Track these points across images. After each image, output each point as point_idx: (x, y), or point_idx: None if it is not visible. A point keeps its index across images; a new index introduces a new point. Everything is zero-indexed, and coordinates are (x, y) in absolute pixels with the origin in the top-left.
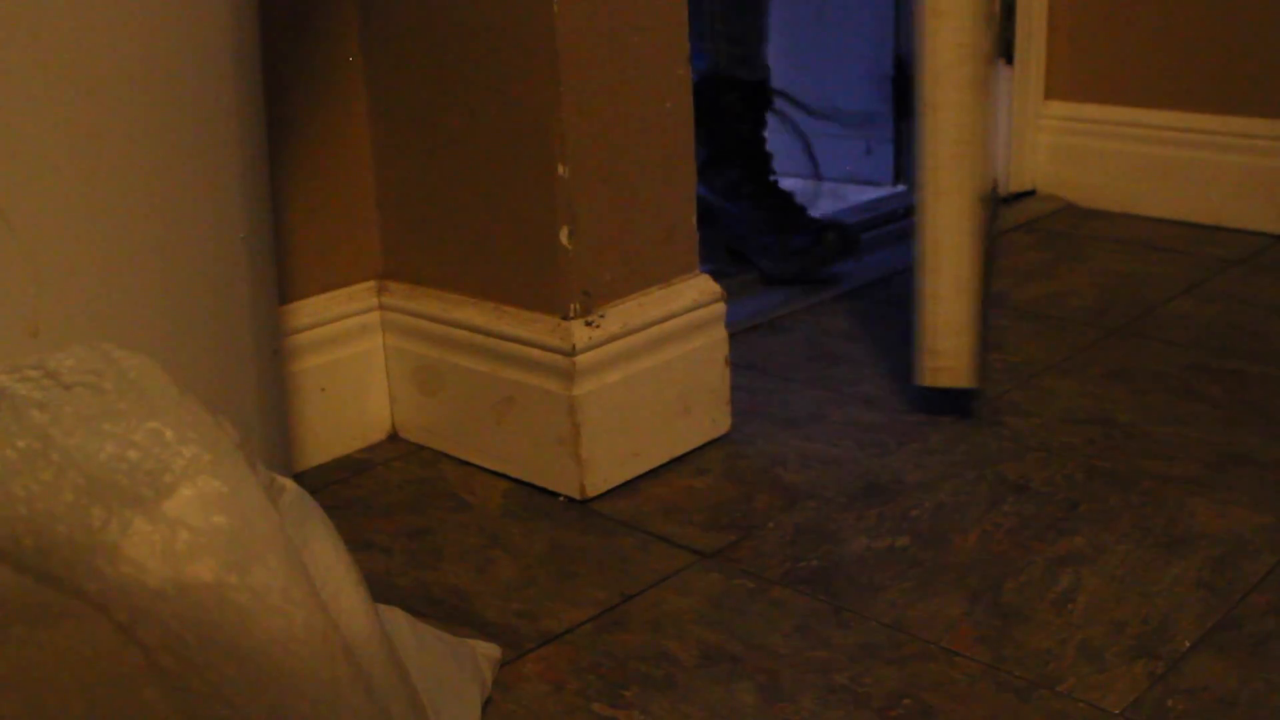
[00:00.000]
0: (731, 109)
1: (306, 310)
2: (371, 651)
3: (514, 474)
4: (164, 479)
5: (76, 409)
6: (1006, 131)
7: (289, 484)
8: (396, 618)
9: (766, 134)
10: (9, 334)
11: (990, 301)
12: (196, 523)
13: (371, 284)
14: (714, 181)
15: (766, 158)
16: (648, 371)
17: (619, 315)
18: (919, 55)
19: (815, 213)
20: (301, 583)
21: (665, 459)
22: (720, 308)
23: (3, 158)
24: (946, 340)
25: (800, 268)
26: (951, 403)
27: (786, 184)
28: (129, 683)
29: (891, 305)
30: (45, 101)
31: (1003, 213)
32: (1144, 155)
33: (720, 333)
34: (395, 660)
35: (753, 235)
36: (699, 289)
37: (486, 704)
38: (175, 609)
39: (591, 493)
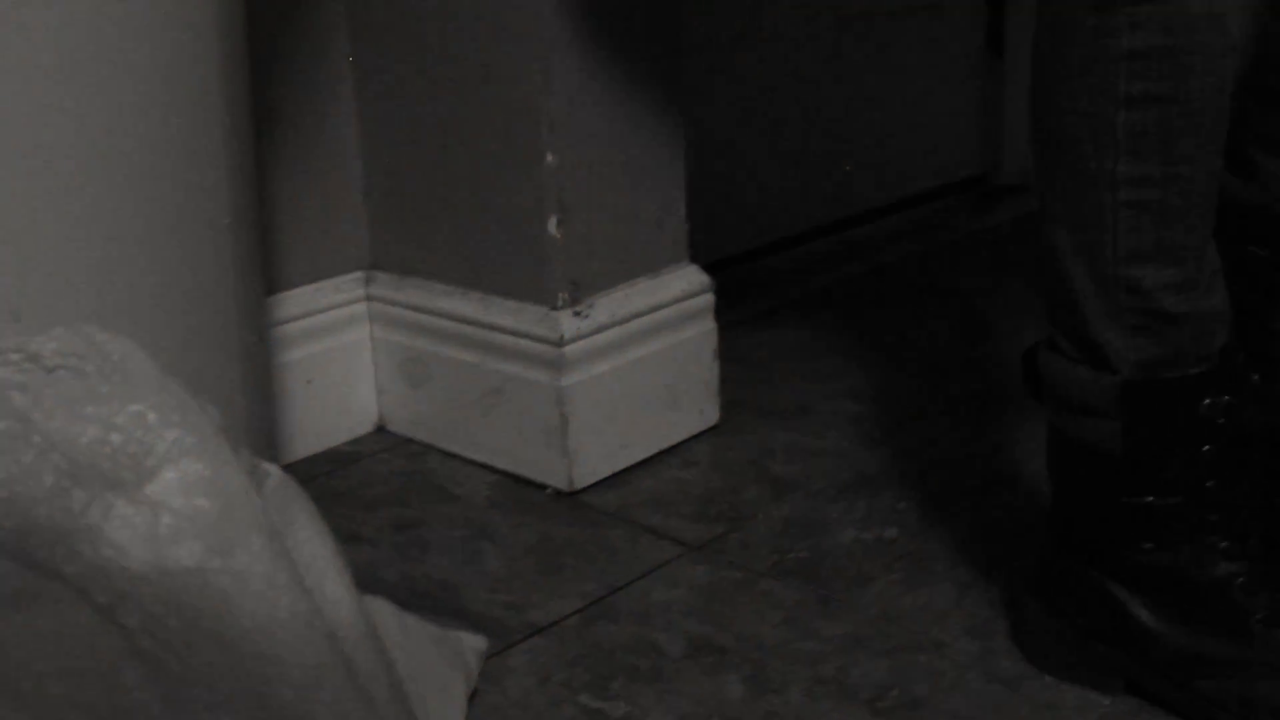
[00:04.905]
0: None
1: (293, 301)
2: (355, 638)
3: (501, 466)
4: (146, 462)
5: (58, 392)
6: (997, 125)
7: (273, 470)
8: (381, 607)
9: None
10: None
11: None
12: (179, 506)
13: (358, 275)
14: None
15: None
16: (637, 362)
17: (608, 305)
18: None
19: None
20: (285, 568)
21: (654, 451)
22: (709, 299)
23: None
24: None
25: None
26: None
27: None
28: (109, 666)
29: (880, 300)
30: (27, 87)
31: (996, 206)
32: None
33: (709, 324)
34: (379, 648)
35: None
36: (688, 280)
37: (472, 695)
38: (157, 592)
39: (579, 484)
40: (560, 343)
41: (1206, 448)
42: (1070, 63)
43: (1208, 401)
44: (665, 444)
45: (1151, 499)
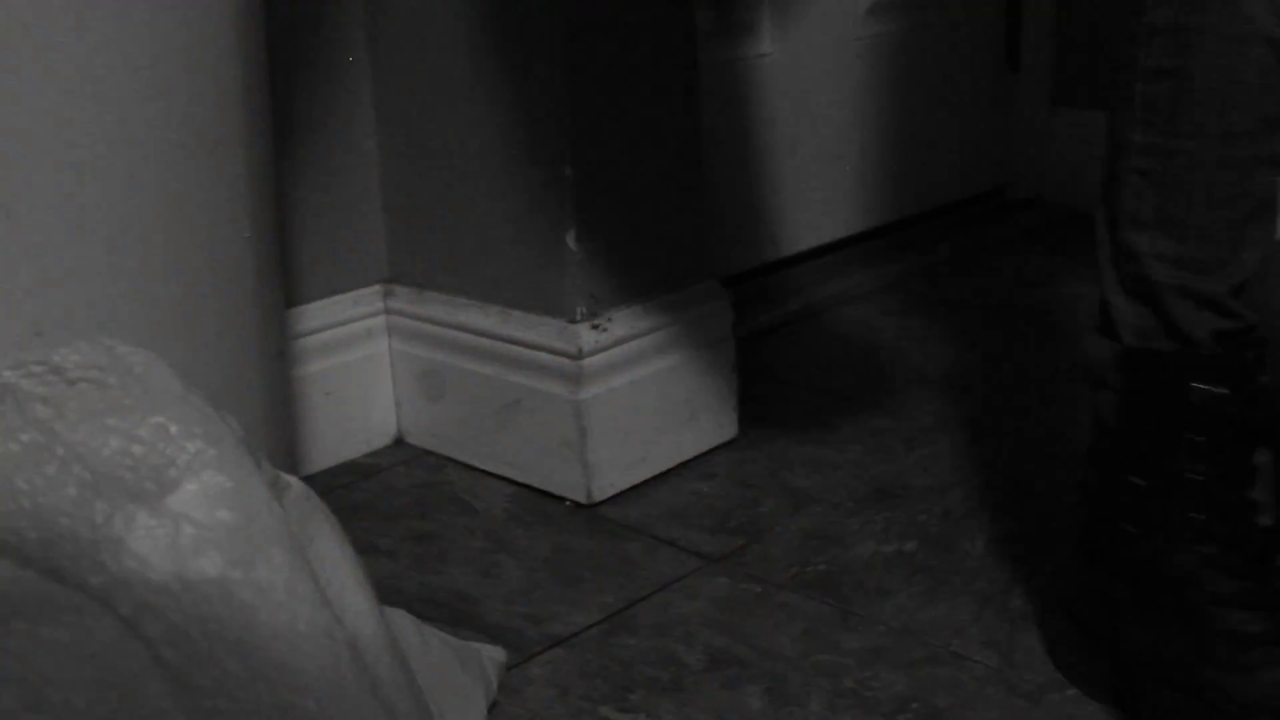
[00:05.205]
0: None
1: (312, 314)
2: (377, 649)
3: (520, 478)
4: (168, 474)
5: (81, 404)
6: (1013, 139)
7: (294, 481)
8: (402, 619)
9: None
10: (13, 332)
11: None
12: (201, 517)
13: (377, 288)
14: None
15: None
16: (654, 376)
17: (626, 319)
18: None
19: None
20: (306, 579)
21: (672, 464)
22: (727, 313)
23: (6, 155)
24: None
25: None
26: None
27: None
28: (132, 677)
29: (897, 314)
30: (49, 99)
31: (1009, 219)
32: None
33: (727, 337)
34: (400, 659)
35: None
36: (706, 293)
37: (492, 707)
38: (179, 604)
39: (598, 497)
40: (579, 356)
41: (1194, 437)
42: (1113, 36)
43: (1198, 386)
44: (683, 457)
45: (1137, 480)
